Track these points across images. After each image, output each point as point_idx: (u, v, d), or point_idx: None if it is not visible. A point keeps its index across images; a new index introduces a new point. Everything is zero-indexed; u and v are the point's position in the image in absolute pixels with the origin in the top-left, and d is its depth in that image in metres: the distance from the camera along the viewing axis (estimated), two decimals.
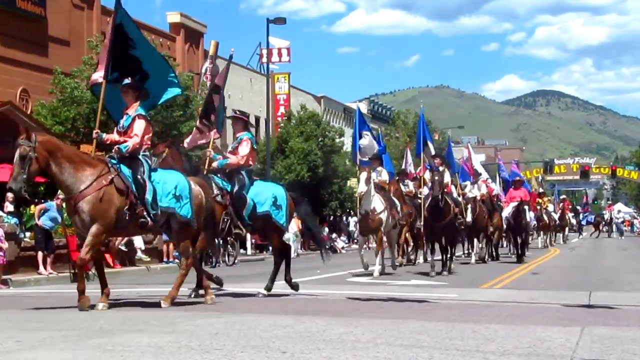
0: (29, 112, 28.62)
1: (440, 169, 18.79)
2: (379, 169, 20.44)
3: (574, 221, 55.71)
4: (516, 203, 24.19)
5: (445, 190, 18.81)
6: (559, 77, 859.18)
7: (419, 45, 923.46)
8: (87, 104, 28.05)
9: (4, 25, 28.43)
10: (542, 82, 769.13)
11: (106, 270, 21.02)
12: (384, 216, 18.09)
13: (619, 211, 64.08)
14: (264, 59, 46.43)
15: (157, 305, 10.90)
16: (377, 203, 18.09)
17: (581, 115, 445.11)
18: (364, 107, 71.93)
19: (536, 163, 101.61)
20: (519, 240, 24.50)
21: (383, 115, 75.34)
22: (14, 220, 18.98)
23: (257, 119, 48.94)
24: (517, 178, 28.67)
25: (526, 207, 24.78)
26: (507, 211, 24.71)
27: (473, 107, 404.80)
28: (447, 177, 19.01)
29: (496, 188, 28.54)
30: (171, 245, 24.90)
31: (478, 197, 23.80)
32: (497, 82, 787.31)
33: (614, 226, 58.04)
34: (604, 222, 62.82)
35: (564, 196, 50.33)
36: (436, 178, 18.18)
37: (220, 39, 47.88)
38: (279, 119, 47.80)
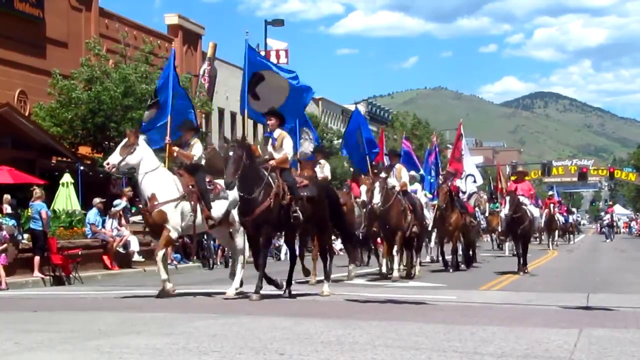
0: (27, 113, 28.63)
1: (276, 134, 12.98)
2: (322, 162, 17.42)
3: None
4: (514, 200, 19.46)
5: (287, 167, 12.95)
6: (557, 78, 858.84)
7: (417, 47, 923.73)
8: (84, 105, 28.08)
9: (1, 27, 28.43)
10: (540, 84, 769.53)
11: (105, 272, 21.37)
12: (170, 208, 12.86)
13: (606, 212, 63.45)
14: None
15: (155, 306, 10.91)
16: (161, 188, 12.91)
17: (579, 117, 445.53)
18: (362, 109, 72.04)
19: (534, 165, 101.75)
20: (520, 247, 19.90)
21: (381, 117, 75.39)
22: (12, 222, 18.96)
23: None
24: (520, 169, 25.86)
25: (526, 202, 20.09)
26: (506, 209, 20.15)
27: (471, 108, 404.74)
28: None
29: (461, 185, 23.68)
30: (169, 247, 24.91)
31: (397, 188, 17.86)
32: (496, 84, 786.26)
33: (613, 229, 57.31)
34: (600, 225, 61.80)
35: (551, 193, 46.02)
36: (231, 153, 11.89)
37: (219, 41, 48.29)
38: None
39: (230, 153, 11.87)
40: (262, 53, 46.53)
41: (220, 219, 13.46)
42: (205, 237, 26.92)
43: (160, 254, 12.97)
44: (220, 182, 12.88)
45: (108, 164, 13.00)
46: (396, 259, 17.66)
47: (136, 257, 23.62)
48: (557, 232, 40.34)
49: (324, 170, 17.46)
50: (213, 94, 39.94)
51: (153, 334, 7.72)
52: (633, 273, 20.20)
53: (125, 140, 13.10)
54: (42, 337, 7.42)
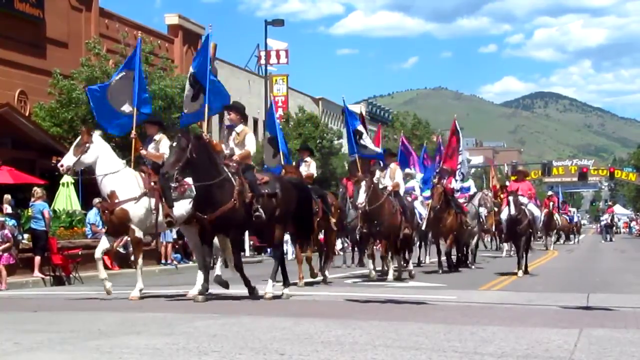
0: (27, 114, 28.64)
1: (239, 129, 12.57)
2: (308, 159, 17.56)
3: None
4: (517, 201, 18.79)
5: (238, 160, 12.17)
6: (557, 78, 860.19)
7: (417, 47, 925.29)
8: (84, 105, 28.08)
9: (2, 27, 28.44)
10: (540, 84, 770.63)
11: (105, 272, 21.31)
12: (131, 207, 12.40)
13: (605, 212, 63.16)
14: (262, 61, 46.51)
15: (155, 306, 10.91)
16: (121, 185, 12.42)
17: (579, 117, 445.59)
18: (362, 109, 72.09)
19: (534, 165, 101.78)
20: (519, 248, 19.22)
21: (381, 117, 75.40)
22: (12, 222, 18.97)
23: (255, 121, 49.00)
24: (520, 168, 23.78)
25: (525, 201, 19.40)
26: (505, 211, 19.49)
27: (471, 109, 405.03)
28: (250, 143, 12.38)
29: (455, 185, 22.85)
30: (169, 247, 24.91)
31: (390, 188, 17.29)
32: (496, 84, 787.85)
33: (613, 229, 56.77)
34: (599, 226, 61.10)
35: (550, 192, 45.11)
36: (174, 144, 11.48)
37: (219, 41, 48.38)
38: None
39: (174, 144, 11.46)
40: (262, 53, 46.85)
41: (184, 218, 12.92)
42: None
43: (140, 262, 12.75)
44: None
45: (62, 165, 12.47)
46: (392, 262, 17.55)
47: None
48: (555, 231, 39.67)
49: (310, 167, 17.19)
50: None
51: (153, 334, 7.72)
52: (633, 273, 20.19)
53: (78, 139, 12.56)
54: (42, 337, 7.42)
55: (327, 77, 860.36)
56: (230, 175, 11.74)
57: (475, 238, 24.01)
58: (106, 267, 21.81)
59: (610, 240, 53.56)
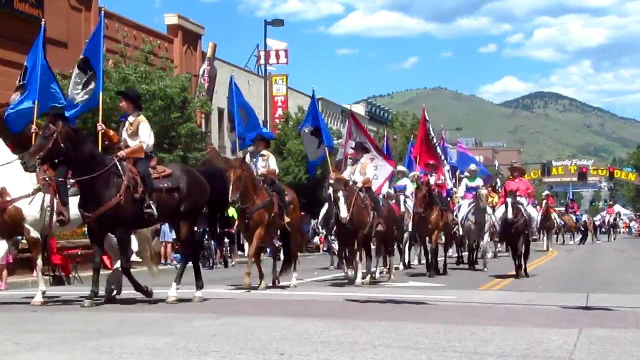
0: None
1: (131, 119, 11.72)
2: (265, 153, 15.32)
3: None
4: (515, 202, 17.98)
5: (130, 153, 11.29)
6: (557, 79, 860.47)
7: (417, 47, 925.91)
8: None
9: (1, 27, 28.45)
10: (540, 84, 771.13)
11: (105, 272, 21.29)
12: (25, 205, 11.63)
13: (608, 212, 62.82)
14: (262, 61, 46.50)
15: (155, 306, 10.91)
16: (13, 182, 11.70)
17: (579, 117, 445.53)
18: (362, 109, 72.05)
19: (534, 165, 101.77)
20: (518, 249, 18.42)
21: (381, 117, 75.38)
22: None
23: None
24: (516, 166, 21.66)
25: (524, 201, 18.67)
26: (501, 210, 18.94)
27: (471, 109, 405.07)
28: (144, 135, 11.47)
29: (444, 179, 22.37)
30: (169, 247, 24.90)
31: (360, 184, 15.82)
32: (496, 84, 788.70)
33: (611, 230, 56.47)
34: (599, 226, 60.63)
35: (547, 192, 44.29)
36: (41, 132, 11.03)
37: (219, 41, 48.34)
38: (277, 120, 47.86)
39: (41, 132, 10.77)
40: (262, 53, 46.82)
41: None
42: (206, 237, 26.89)
43: (39, 263, 11.99)
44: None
45: None
46: (359, 263, 15.75)
47: (135, 258, 23.56)
48: (553, 231, 39.19)
49: (269, 163, 15.11)
50: (213, 94, 39.97)
51: (153, 334, 7.73)
52: (633, 273, 20.18)
53: None
54: (42, 338, 7.43)
55: (327, 77, 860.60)
56: (119, 168, 10.89)
57: (486, 238, 22.30)
58: (106, 268, 21.89)
59: (609, 240, 53.17)
